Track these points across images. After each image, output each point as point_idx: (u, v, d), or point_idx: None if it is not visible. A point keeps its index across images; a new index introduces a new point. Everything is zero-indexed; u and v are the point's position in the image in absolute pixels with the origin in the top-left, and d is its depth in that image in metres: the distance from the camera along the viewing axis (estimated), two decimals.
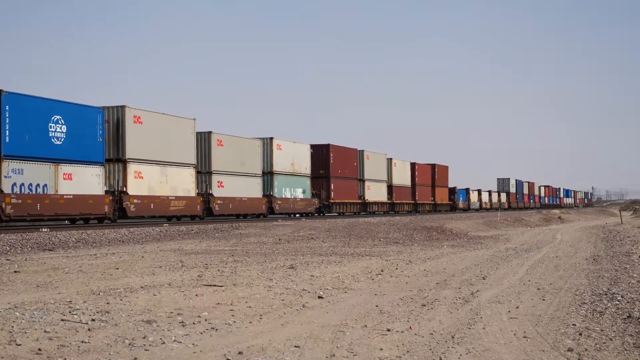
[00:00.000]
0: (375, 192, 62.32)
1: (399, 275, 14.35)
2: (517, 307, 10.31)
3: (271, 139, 46.47)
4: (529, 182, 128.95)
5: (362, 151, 60.19)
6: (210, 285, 12.08)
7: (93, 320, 8.71)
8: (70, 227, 29.75)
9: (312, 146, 52.73)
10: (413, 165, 73.34)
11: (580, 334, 8.46)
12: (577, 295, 11.46)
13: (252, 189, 43.85)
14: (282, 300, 10.77)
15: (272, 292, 11.46)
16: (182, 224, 33.55)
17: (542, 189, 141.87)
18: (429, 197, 77.77)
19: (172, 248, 20.71)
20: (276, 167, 46.73)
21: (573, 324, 9.03)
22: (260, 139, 45.60)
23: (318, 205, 52.24)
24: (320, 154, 53.80)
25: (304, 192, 50.38)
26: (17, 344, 7.40)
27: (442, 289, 12.35)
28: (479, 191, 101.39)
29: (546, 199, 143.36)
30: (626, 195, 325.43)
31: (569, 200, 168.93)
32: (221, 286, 12.00)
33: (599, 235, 30.61)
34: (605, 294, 11.43)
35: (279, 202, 46.55)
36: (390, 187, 66.37)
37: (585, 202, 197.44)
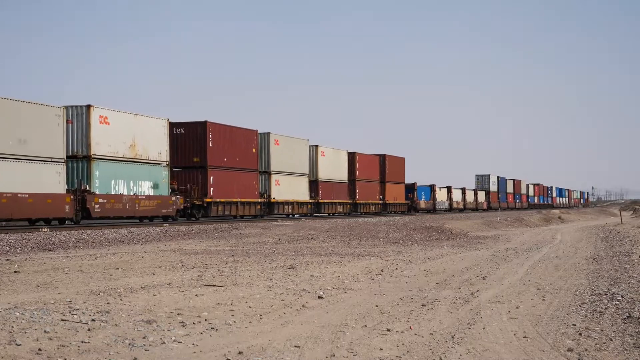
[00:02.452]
0: (289, 189, 47.78)
1: (399, 275, 14.35)
2: (517, 307, 10.32)
3: (88, 107, 31.29)
4: (514, 180, 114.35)
5: (267, 134, 45.61)
6: (210, 285, 12.08)
7: (93, 320, 8.72)
8: (71, 227, 29.74)
9: (179, 124, 39.10)
10: (352, 155, 58.67)
11: (580, 334, 8.47)
12: (577, 295, 11.47)
13: (43, 180, 28.90)
14: (282, 300, 10.77)
15: (272, 292, 11.47)
16: (182, 224, 33.52)
17: (531, 187, 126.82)
18: (375, 196, 63.11)
19: (172, 248, 20.72)
20: (98, 150, 31.37)
21: (573, 324, 9.04)
22: (64, 107, 30.46)
23: (182, 206, 36.89)
24: (193, 135, 39.24)
25: (155, 186, 35.06)
26: (17, 344, 7.40)
27: (442, 289, 12.35)
28: (449, 189, 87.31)
29: (536, 198, 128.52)
30: (626, 195, 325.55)
31: (563, 200, 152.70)
32: (221, 286, 12.01)
33: (598, 235, 30.62)
34: (605, 294, 11.43)
35: (101, 200, 30.96)
36: (314, 183, 51.85)
37: (582, 202, 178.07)
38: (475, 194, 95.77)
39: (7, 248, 19.31)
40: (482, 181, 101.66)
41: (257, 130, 44.42)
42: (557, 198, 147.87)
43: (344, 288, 12.22)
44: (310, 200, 50.90)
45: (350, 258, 18.01)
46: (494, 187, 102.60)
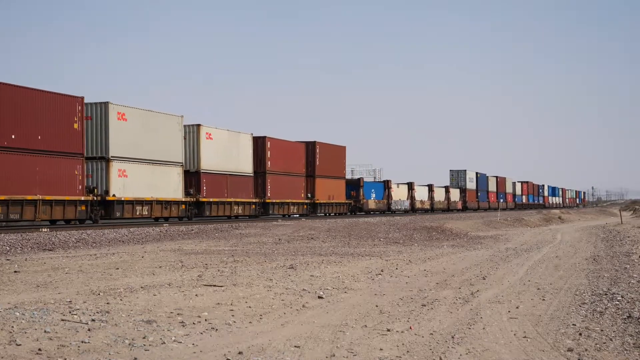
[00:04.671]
0: (147, 183, 34.41)
1: (399, 275, 14.36)
2: (517, 307, 10.32)
3: None
4: (497, 177, 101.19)
5: (105, 105, 31.99)
6: (210, 285, 12.08)
7: (93, 320, 8.72)
8: (71, 227, 29.74)
9: None
10: (261, 141, 45.30)
11: (580, 334, 8.47)
12: (577, 295, 11.47)
13: None
14: (282, 300, 10.78)
15: (272, 292, 11.47)
16: (182, 224, 33.54)
17: (518, 185, 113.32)
18: (299, 193, 49.53)
19: (172, 248, 20.72)
20: None
21: (573, 324, 9.05)
22: None
23: None
24: None
25: None
26: (17, 344, 7.40)
27: (442, 289, 12.36)
28: (410, 185, 73.78)
29: (524, 197, 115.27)
30: (626, 195, 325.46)
31: (556, 200, 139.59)
32: (221, 286, 12.01)
33: (599, 235, 30.62)
34: (605, 294, 11.44)
35: None
36: (195, 175, 38.75)
37: (577, 202, 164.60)
38: (447, 192, 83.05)
39: (7, 248, 19.31)
40: (457, 177, 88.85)
41: (82, 98, 30.88)
42: (550, 197, 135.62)
43: (344, 288, 12.22)
44: (185, 199, 37.21)
45: (350, 258, 18.01)
46: (471, 185, 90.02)
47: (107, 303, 10.06)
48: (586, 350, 7.76)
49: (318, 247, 22.07)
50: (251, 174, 43.97)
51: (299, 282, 12.77)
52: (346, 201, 58.11)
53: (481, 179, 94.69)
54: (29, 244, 20.53)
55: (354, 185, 61.97)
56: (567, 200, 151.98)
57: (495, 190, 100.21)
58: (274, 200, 46.16)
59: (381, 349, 7.67)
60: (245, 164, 43.35)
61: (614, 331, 8.68)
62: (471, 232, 33.70)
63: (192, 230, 28.67)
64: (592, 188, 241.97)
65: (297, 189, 49.74)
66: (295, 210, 49.34)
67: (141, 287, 11.69)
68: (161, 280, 12.73)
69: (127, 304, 10.01)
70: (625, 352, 7.75)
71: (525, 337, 8.33)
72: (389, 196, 68.05)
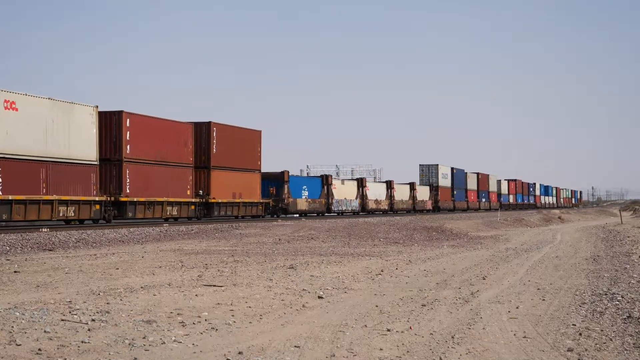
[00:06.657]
0: None
1: (399, 275, 14.36)
2: (517, 307, 10.32)
3: None
4: (478, 173, 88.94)
5: None
6: (210, 286, 12.09)
7: (93, 320, 8.72)
8: (71, 227, 29.72)
9: None
10: (115, 117, 32.24)
11: (580, 334, 8.47)
12: (577, 295, 11.47)
13: None
14: (282, 300, 10.78)
15: (272, 292, 11.48)
16: (181, 224, 33.53)
17: (505, 183, 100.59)
18: (183, 190, 36.45)
19: (172, 248, 20.72)
20: None
21: (573, 324, 9.04)
22: None
23: None
24: None
25: None
26: (17, 344, 7.40)
27: (442, 289, 12.36)
28: (360, 182, 62.09)
29: (511, 197, 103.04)
30: (626, 195, 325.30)
31: (549, 200, 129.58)
32: (221, 286, 12.02)
33: (598, 236, 30.63)
34: (605, 294, 11.44)
35: None
36: None
37: (573, 202, 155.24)
38: (413, 189, 70.68)
39: (7, 248, 19.31)
40: (427, 173, 75.23)
41: None
42: (542, 197, 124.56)
43: (344, 288, 12.22)
44: None
45: (350, 258, 18.02)
46: (445, 182, 77.53)
47: (107, 303, 10.06)
48: (586, 350, 7.76)
49: (318, 247, 22.08)
50: (95, 162, 30.91)
51: (299, 282, 12.78)
52: (262, 200, 44.38)
53: (458, 175, 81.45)
54: (29, 244, 20.54)
55: (274, 181, 48.54)
56: (561, 200, 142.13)
57: (475, 188, 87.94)
58: (136, 199, 32.85)
59: (381, 349, 7.67)
60: (83, 148, 30.19)
61: (614, 331, 8.68)
62: (471, 232, 33.71)
63: (192, 230, 28.68)
64: (592, 188, 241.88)
65: (180, 184, 36.49)
66: (176, 212, 36.31)
67: (141, 287, 11.69)
68: (161, 280, 12.73)
69: (127, 304, 10.02)
70: (625, 352, 7.75)
71: (525, 337, 8.33)
72: (329, 194, 55.38)
